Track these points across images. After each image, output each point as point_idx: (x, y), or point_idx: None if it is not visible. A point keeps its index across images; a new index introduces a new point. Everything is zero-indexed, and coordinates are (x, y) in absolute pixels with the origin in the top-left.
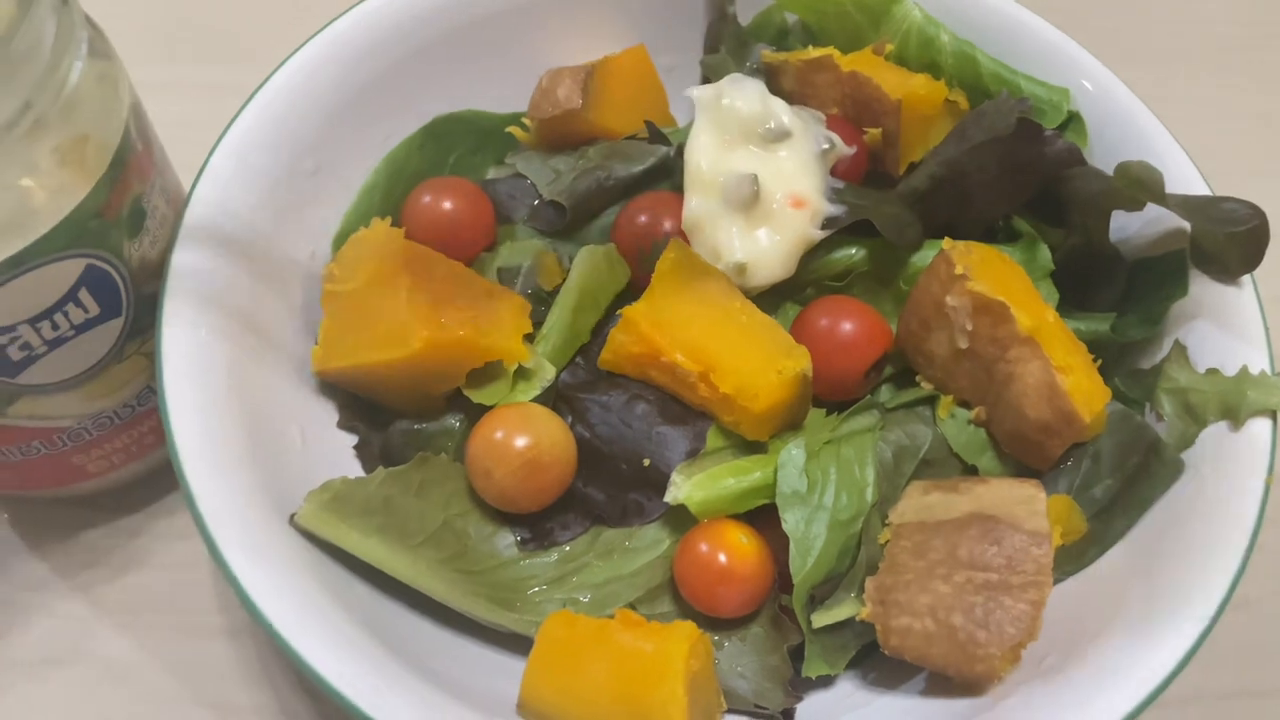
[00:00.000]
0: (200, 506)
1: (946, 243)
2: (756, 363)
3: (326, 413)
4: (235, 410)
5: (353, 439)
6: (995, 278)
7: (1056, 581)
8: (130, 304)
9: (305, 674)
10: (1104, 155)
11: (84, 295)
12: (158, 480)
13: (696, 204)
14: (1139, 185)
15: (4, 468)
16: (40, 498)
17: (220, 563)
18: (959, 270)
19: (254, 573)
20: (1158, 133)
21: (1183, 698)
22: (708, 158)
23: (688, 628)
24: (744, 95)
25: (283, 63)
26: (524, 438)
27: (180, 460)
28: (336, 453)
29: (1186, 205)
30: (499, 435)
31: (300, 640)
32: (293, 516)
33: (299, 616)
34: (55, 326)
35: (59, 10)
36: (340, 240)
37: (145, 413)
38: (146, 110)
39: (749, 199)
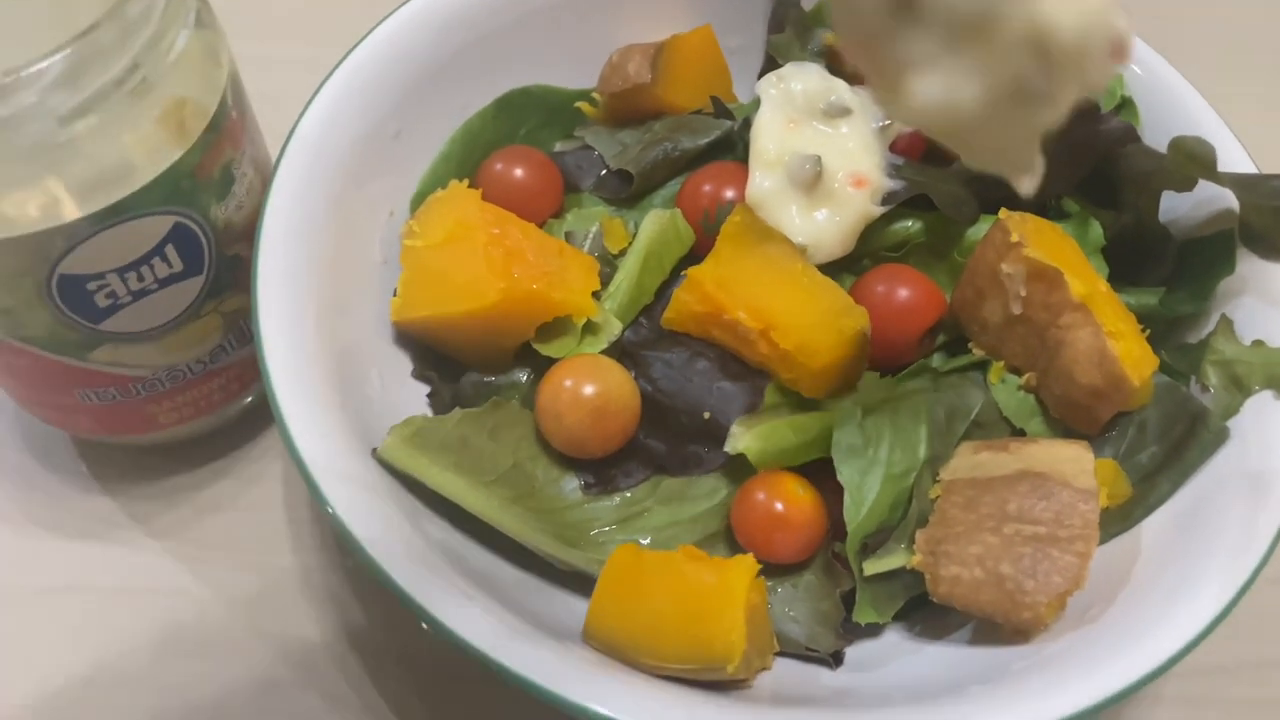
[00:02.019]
0: (295, 437)
1: (1003, 212)
2: (817, 321)
3: (402, 363)
4: (323, 353)
5: (425, 389)
6: (1049, 246)
7: (1102, 543)
8: (212, 263)
9: (393, 593)
10: (1154, 139)
11: (170, 251)
12: (234, 430)
13: (760, 182)
14: (1192, 159)
15: (82, 411)
16: (115, 443)
17: (314, 490)
18: (1014, 238)
19: (346, 501)
20: (1207, 116)
21: (1216, 666)
22: (773, 138)
23: (749, 561)
24: (805, 75)
25: (368, 33)
26: (593, 386)
27: (275, 393)
28: (410, 400)
29: (1236, 181)
30: (569, 383)
31: (388, 561)
32: (375, 449)
33: (387, 540)
34: (141, 278)
35: None
36: (418, 201)
37: (216, 370)
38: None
39: (811, 179)
